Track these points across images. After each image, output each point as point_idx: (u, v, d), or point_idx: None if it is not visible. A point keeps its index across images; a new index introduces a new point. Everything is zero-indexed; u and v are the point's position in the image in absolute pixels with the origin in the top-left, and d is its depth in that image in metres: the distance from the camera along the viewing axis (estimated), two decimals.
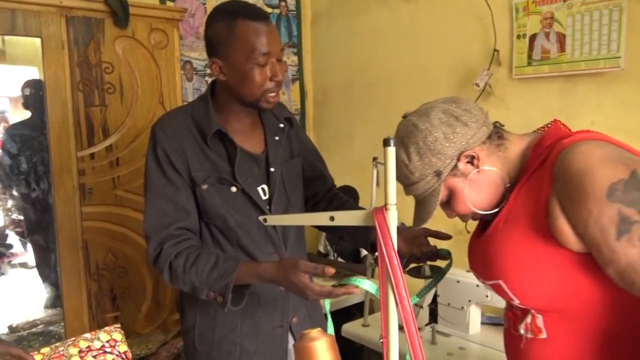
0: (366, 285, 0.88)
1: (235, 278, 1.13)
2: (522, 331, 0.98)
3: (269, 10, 3.16)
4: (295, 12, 3.29)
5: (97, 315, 2.17)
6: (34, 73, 2.21)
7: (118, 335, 1.31)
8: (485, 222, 1.03)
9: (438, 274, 1.18)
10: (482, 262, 1.01)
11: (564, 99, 2.17)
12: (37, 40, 2.04)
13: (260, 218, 0.93)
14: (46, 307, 2.43)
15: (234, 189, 1.26)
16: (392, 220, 0.72)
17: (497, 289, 0.98)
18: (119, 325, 1.34)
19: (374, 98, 2.97)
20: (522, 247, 0.92)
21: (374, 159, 1.81)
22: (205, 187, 1.24)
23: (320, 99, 3.37)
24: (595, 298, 0.89)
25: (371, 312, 2.07)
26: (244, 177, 1.27)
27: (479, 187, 0.96)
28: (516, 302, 0.95)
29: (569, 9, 2.05)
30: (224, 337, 1.31)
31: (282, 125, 1.39)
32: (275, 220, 0.94)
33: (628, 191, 0.79)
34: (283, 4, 3.23)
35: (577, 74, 2.07)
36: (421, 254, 1.24)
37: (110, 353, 1.29)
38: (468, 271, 1.89)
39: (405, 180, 1.00)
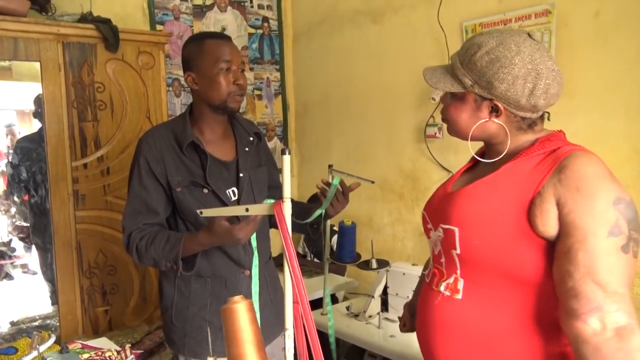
0: None
1: (182, 247, 1.40)
2: (442, 288, 1.07)
3: (252, 30, 3.41)
4: (277, 32, 3.54)
5: (89, 309, 2.39)
6: (38, 88, 2.43)
7: None
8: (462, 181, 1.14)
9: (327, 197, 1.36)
10: (448, 207, 1.06)
11: None
12: (37, 64, 2.29)
13: (198, 211, 1.17)
14: (45, 303, 2.67)
15: (205, 190, 1.51)
16: (287, 209, 0.95)
17: (446, 235, 1.04)
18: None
19: (348, 110, 3.20)
20: (493, 209, 0.99)
21: (329, 166, 2.05)
22: (179, 189, 1.50)
23: (301, 112, 3.61)
24: (529, 279, 0.98)
25: (332, 302, 2.28)
26: (214, 180, 1.51)
27: (476, 122, 1.04)
28: (457, 251, 1.02)
29: None
30: (196, 314, 1.54)
31: (251, 139, 1.63)
32: (209, 212, 1.17)
33: (628, 210, 0.91)
34: (266, 24, 3.48)
35: None
36: (319, 194, 1.50)
37: None
38: (414, 264, 2.11)
39: (458, 61, 1.05)
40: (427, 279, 1.16)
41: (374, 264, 1.97)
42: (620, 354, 0.86)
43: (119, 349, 1.57)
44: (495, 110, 1.02)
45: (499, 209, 0.99)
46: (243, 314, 1.03)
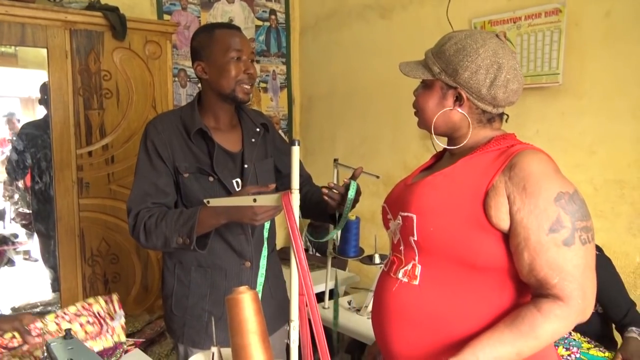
0: None
1: (198, 219, 1.35)
2: (400, 275, 1.11)
3: (260, 23, 3.40)
4: (284, 25, 3.53)
5: (91, 297, 2.40)
6: (43, 76, 2.42)
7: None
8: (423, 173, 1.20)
9: (347, 203, 1.36)
10: (407, 197, 1.12)
11: (513, 110, 2.38)
12: (44, 50, 2.29)
13: (205, 200, 1.16)
14: (45, 290, 2.67)
15: (211, 178, 1.50)
16: (295, 201, 0.95)
17: (405, 223, 1.09)
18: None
19: (354, 105, 3.20)
20: (450, 198, 1.05)
21: (335, 160, 2.04)
22: (186, 175, 1.49)
23: (306, 106, 3.60)
24: (483, 266, 1.03)
25: (330, 297, 2.28)
26: (221, 169, 1.51)
27: (441, 110, 1.11)
28: (414, 238, 1.07)
29: (518, 29, 2.28)
30: (195, 303, 1.54)
31: (258, 130, 1.62)
32: (215, 202, 1.17)
33: (570, 203, 0.97)
34: (273, 17, 3.47)
35: (524, 88, 2.27)
36: (332, 197, 1.43)
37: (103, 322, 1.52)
38: None
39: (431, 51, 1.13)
40: (385, 268, 1.20)
41: (377, 259, 1.97)
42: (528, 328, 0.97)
43: (106, 298, 1.56)
44: (459, 100, 1.09)
45: (456, 199, 1.05)
46: (248, 305, 1.03)
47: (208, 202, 1.14)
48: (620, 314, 1.72)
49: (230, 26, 1.56)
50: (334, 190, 1.42)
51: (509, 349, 0.97)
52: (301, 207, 1.66)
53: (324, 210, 1.52)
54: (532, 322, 0.97)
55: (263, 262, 1.10)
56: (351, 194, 1.38)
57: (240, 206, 1.27)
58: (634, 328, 1.68)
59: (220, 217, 1.36)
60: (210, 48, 1.50)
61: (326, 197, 1.42)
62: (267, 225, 1.21)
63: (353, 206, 1.42)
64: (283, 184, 1.67)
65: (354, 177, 1.42)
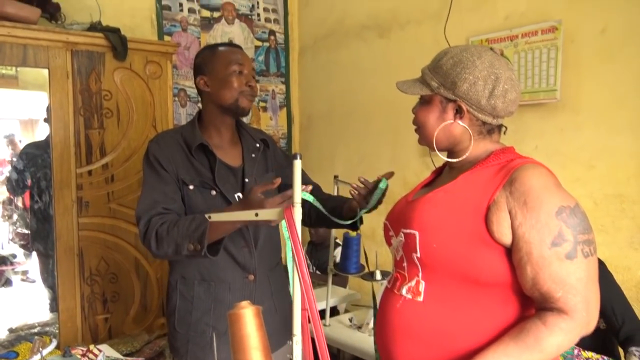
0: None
1: (210, 224, 1.30)
2: (403, 291, 1.10)
3: (259, 43, 3.44)
4: (283, 45, 3.57)
5: (89, 317, 2.37)
6: (43, 97, 2.43)
7: None
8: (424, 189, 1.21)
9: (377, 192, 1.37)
10: (409, 214, 1.12)
11: (511, 126, 2.38)
12: (46, 71, 2.31)
13: (206, 215, 1.16)
14: (44, 310, 2.65)
15: (213, 192, 1.50)
16: (297, 214, 0.95)
17: (407, 240, 1.09)
18: None
19: (353, 124, 3.22)
20: (451, 214, 1.05)
21: (335, 177, 2.05)
22: (192, 187, 1.50)
23: (305, 125, 3.62)
24: (487, 282, 1.03)
25: (332, 314, 2.26)
26: (222, 183, 1.52)
27: (442, 124, 1.12)
28: (417, 254, 1.07)
29: (515, 47, 2.31)
30: (199, 319, 1.52)
31: (258, 145, 1.64)
32: (217, 217, 1.16)
33: (571, 217, 0.97)
34: (272, 37, 3.52)
35: (523, 105, 2.29)
36: (364, 194, 1.44)
37: None
38: None
39: (430, 66, 1.14)
40: (388, 285, 1.20)
41: (378, 275, 1.96)
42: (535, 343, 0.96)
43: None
44: (459, 112, 1.09)
45: (457, 215, 1.05)
46: (250, 320, 1.02)
47: (210, 217, 1.14)
48: (619, 322, 1.71)
49: (232, 44, 1.62)
50: (362, 186, 1.44)
51: None
52: (315, 215, 1.66)
53: (340, 215, 1.52)
54: (538, 336, 0.96)
55: (290, 265, 1.06)
56: (382, 185, 1.37)
57: (255, 201, 1.24)
58: (634, 349, 1.66)
59: (234, 221, 1.33)
60: (212, 63, 1.53)
61: (353, 192, 1.44)
62: (283, 223, 1.19)
63: (379, 202, 1.43)
64: None
65: (387, 177, 1.42)
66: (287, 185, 1.65)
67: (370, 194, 1.43)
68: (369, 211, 1.44)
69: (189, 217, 1.40)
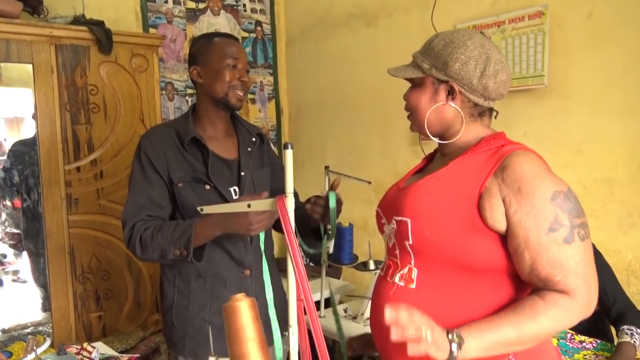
0: None
1: (194, 231, 1.34)
2: (396, 279, 1.11)
3: (245, 34, 3.41)
4: (270, 36, 3.54)
5: (82, 315, 2.35)
6: (27, 94, 2.39)
7: None
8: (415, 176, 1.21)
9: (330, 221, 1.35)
10: (401, 201, 1.12)
11: (501, 112, 2.39)
12: (30, 66, 2.27)
13: (198, 208, 1.15)
14: (36, 310, 2.62)
15: (207, 187, 1.49)
16: (290, 204, 0.94)
17: (399, 227, 1.09)
18: None
19: (342, 114, 3.21)
20: (443, 201, 1.04)
21: (326, 167, 2.04)
22: (180, 185, 1.49)
23: (294, 116, 3.61)
24: (479, 269, 1.03)
25: (326, 306, 2.27)
26: (216, 177, 1.51)
27: (434, 105, 1.11)
28: (409, 242, 1.07)
29: (502, 33, 2.31)
30: (196, 314, 1.53)
31: (254, 139, 1.63)
32: (209, 209, 1.16)
33: (566, 201, 0.98)
34: (259, 28, 3.49)
35: (511, 90, 2.30)
36: (315, 210, 1.43)
37: None
38: None
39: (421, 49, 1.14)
40: (381, 273, 1.20)
41: (372, 265, 1.96)
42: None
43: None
44: (451, 93, 1.09)
45: (449, 202, 1.05)
46: (245, 312, 1.02)
47: (202, 209, 1.13)
48: (610, 301, 1.73)
49: (229, 36, 1.59)
50: (316, 204, 1.43)
51: (509, 328, 0.97)
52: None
53: (307, 225, 1.52)
54: (534, 307, 0.97)
55: (266, 277, 1.07)
56: (331, 204, 1.36)
57: (235, 217, 1.26)
58: (625, 328, 1.68)
59: (216, 228, 1.36)
60: (207, 54, 1.52)
61: (310, 212, 1.43)
62: (261, 235, 1.20)
63: (337, 216, 1.41)
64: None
65: (332, 188, 1.40)
66: (276, 189, 1.67)
67: (326, 210, 1.40)
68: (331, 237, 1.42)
69: (173, 222, 1.42)
